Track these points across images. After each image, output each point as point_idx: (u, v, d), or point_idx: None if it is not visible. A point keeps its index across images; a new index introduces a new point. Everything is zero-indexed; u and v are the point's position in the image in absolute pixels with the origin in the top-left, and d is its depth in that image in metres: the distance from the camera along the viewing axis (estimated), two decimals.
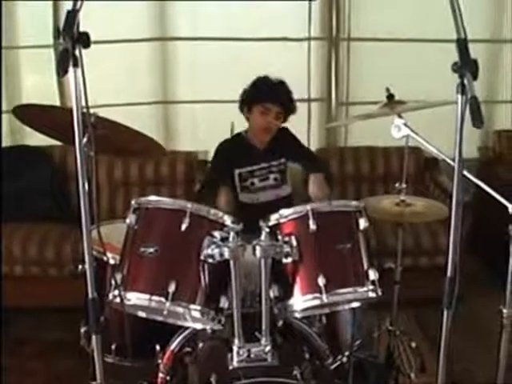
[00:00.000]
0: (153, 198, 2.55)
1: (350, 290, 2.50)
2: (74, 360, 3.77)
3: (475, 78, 1.97)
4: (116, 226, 3.17)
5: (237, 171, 3.86)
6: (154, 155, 4.56)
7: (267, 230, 2.48)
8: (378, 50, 5.45)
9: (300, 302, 2.50)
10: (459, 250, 2.15)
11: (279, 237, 2.52)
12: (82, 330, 3.06)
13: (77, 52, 1.93)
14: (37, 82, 5.47)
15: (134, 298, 2.42)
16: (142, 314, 2.60)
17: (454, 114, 2.01)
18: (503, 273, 2.49)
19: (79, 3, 1.94)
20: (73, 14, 1.92)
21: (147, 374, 2.89)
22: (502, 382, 2.68)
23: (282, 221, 2.55)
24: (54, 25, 5.07)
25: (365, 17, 5.42)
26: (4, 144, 5.12)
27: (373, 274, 2.51)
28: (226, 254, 2.40)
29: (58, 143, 3.00)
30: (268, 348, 2.52)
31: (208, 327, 2.63)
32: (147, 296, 2.40)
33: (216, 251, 2.41)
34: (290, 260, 2.49)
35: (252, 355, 2.52)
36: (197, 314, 2.45)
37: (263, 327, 2.51)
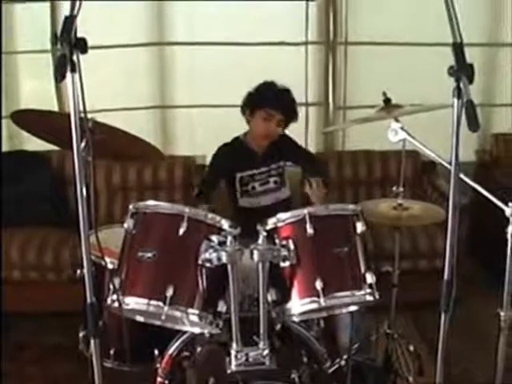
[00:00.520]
0: (151, 202, 2.55)
1: (347, 293, 2.50)
2: (72, 364, 3.77)
3: (471, 81, 1.98)
4: (114, 230, 3.16)
5: (238, 175, 3.87)
6: (152, 160, 4.57)
7: (265, 233, 2.49)
8: (375, 53, 5.46)
9: (298, 305, 2.50)
10: (457, 253, 2.15)
11: (277, 241, 2.52)
12: (81, 334, 3.06)
13: (74, 57, 1.94)
14: (35, 88, 5.47)
15: (132, 302, 2.42)
16: (140, 319, 2.60)
17: (451, 117, 2.02)
18: (501, 275, 2.49)
19: (77, 9, 1.95)
20: (70, 20, 1.93)
21: (146, 378, 2.89)
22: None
23: (279, 225, 2.55)
24: (52, 30, 5.07)
25: (362, 21, 5.42)
26: (2, 149, 5.12)
27: (370, 278, 2.51)
28: (224, 258, 2.40)
29: (56, 148, 3.00)
30: (266, 352, 2.52)
31: (206, 331, 2.63)
32: (145, 300, 2.40)
33: (214, 255, 2.42)
34: (287, 264, 2.49)
35: (250, 359, 2.52)
36: (195, 318, 2.46)
37: (261, 331, 2.51)
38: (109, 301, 2.44)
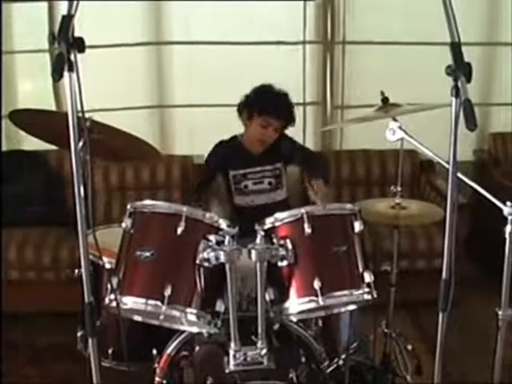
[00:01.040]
0: (148, 202, 2.56)
1: (345, 292, 2.51)
2: (70, 364, 3.78)
3: (469, 80, 1.98)
4: (112, 230, 3.17)
5: (231, 173, 3.89)
6: (150, 159, 4.56)
7: (262, 233, 2.49)
8: (372, 53, 5.45)
9: (296, 304, 2.51)
10: (455, 253, 2.15)
11: (274, 240, 2.52)
12: (79, 334, 3.06)
13: (72, 57, 1.94)
14: (33, 87, 5.47)
15: (130, 302, 2.42)
16: (138, 318, 2.60)
17: (449, 116, 2.02)
18: (499, 274, 2.49)
19: (74, 8, 1.94)
20: (67, 19, 1.93)
21: (144, 378, 2.89)
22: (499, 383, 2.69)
23: (277, 224, 2.56)
24: (50, 29, 5.07)
25: (359, 20, 5.42)
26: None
27: (368, 277, 2.52)
28: (222, 258, 2.40)
29: (54, 148, 2.99)
30: (264, 351, 2.52)
31: (204, 331, 2.63)
32: (143, 300, 2.41)
33: (212, 255, 2.42)
34: (285, 263, 2.50)
35: (248, 358, 2.52)
36: (193, 318, 2.46)
37: (259, 330, 2.51)
38: (107, 300, 2.45)
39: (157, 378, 2.76)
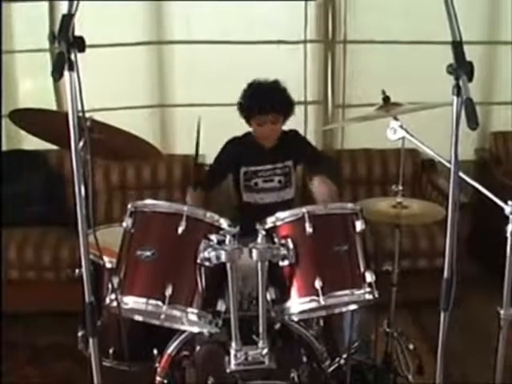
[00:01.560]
0: (149, 201, 2.55)
1: (346, 292, 2.51)
2: (71, 364, 3.78)
3: (470, 79, 1.98)
4: (113, 229, 3.17)
5: (243, 169, 3.88)
6: (151, 159, 4.57)
7: (264, 232, 2.49)
8: (374, 52, 5.44)
9: (297, 304, 2.50)
10: (457, 252, 2.15)
11: (276, 240, 2.52)
12: (80, 334, 3.06)
13: (72, 56, 1.93)
14: (33, 87, 5.47)
15: (131, 301, 2.42)
16: (139, 318, 2.60)
17: (450, 115, 2.02)
18: (501, 273, 2.49)
19: (74, 7, 1.94)
20: (68, 18, 1.93)
21: (145, 377, 2.89)
22: (500, 382, 2.68)
23: (278, 224, 2.56)
24: (50, 29, 5.06)
25: (361, 19, 5.41)
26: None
27: (370, 277, 2.52)
28: (223, 257, 2.40)
29: (55, 147, 2.99)
30: (265, 351, 2.52)
31: (205, 330, 2.63)
32: (144, 300, 2.41)
33: (213, 254, 2.42)
34: (286, 263, 2.49)
35: (249, 358, 2.52)
36: (194, 318, 2.46)
37: (260, 330, 2.51)
38: (107, 300, 2.45)
39: (158, 378, 2.76)
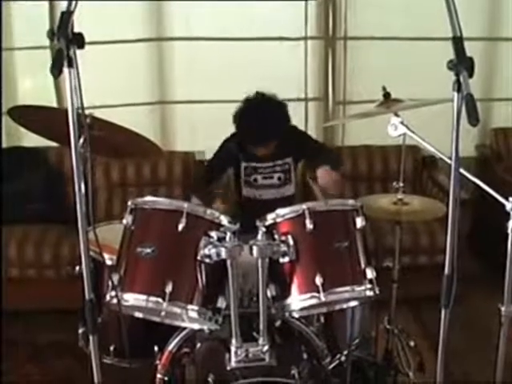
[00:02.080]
0: (149, 198, 2.55)
1: (347, 288, 2.51)
2: (71, 361, 3.78)
3: (471, 75, 1.97)
4: (113, 226, 3.17)
5: (243, 164, 3.87)
6: (151, 156, 4.56)
7: (264, 229, 2.49)
8: (374, 48, 5.44)
9: (297, 301, 2.50)
10: (457, 248, 2.15)
11: (276, 236, 2.52)
12: (80, 331, 3.06)
13: (71, 53, 1.93)
14: (33, 84, 5.46)
15: (132, 298, 2.42)
16: (139, 315, 2.60)
17: (451, 112, 2.01)
18: (502, 270, 2.48)
19: (73, 4, 1.94)
20: (67, 15, 1.92)
21: (145, 374, 2.89)
22: (501, 380, 2.68)
23: (278, 220, 2.55)
24: (50, 26, 5.06)
25: (361, 16, 5.41)
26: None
27: (370, 273, 2.52)
28: (223, 254, 2.40)
29: (55, 144, 2.99)
30: (266, 348, 2.52)
31: (205, 327, 2.63)
32: (144, 297, 2.40)
33: (213, 251, 2.42)
34: (286, 259, 2.49)
35: (250, 355, 2.52)
36: (194, 315, 2.46)
37: (261, 327, 2.51)
38: (108, 297, 2.44)
39: (158, 375, 2.76)
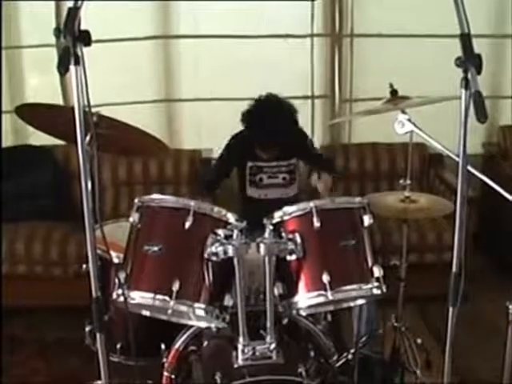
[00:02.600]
0: (156, 196, 2.55)
1: (354, 287, 2.50)
2: (78, 359, 3.78)
3: (479, 72, 1.96)
4: (120, 224, 3.17)
5: (249, 164, 3.88)
6: (158, 154, 4.56)
7: (271, 227, 2.48)
8: (381, 46, 5.42)
9: (304, 299, 2.50)
10: (465, 246, 2.14)
11: (283, 234, 2.52)
12: (87, 329, 3.06)
13: (78, 50, 1.93)
14: (40, 82, 5.47)
15: (138, 296, 2.42)
16: (146, 313, 2.61)
17: (458, 109, 2.01)
18: (509, 268, 2.48)
19: (80, 1, 1.93)
20: (74, 12, 1.92)
21: (152, 372, 2.89)
22: (508, 378, 2.67)
23: (285, 218, 2.55)
24: (57, 23, 5.06)
25: (368, 13, 5.39)
26: (7, 143, 5.12)
27: (377, 271, 2.51)
28: (230, 252, 2.40)
29: (62, 142, 2.99)
30: (273, 346, 2.52)
31: (212, 325, 2.63)
32: (151, 295, 2.41)
33: (220, 249, 2.41)
34: (294, 257, 2.49)
35: (257, 353, 2.52)
36: (201, 313, 2.46)
37: (268, 325, 2.51)
38: (114, 295, 2.45)
39: (165, 373, 2.77)
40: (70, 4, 1.94)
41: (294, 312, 2.62)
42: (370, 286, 2.51)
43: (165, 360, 2.79)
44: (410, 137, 3.02)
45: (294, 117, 3.79)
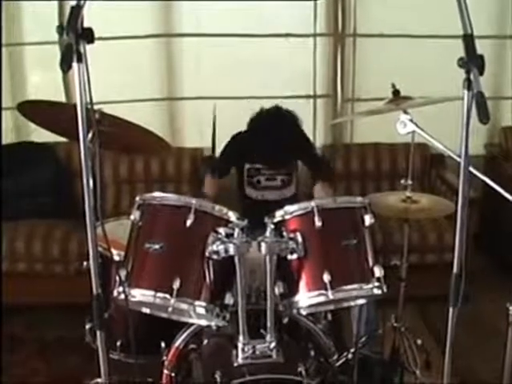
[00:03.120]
0: (157, 194, 2.55)
1: (355, 286, 2.50)
2: (78, 357, 3.78)
3: (481, 73, 1.96)
4: (121, 222, 3.17)
5: (247, 165, 3.88)
6: (160, 152, 4.56)
7: (272, 226, 2.48)
8: (383, 46, 5.43)
9: (305, 298, 2.50)
10: (466, 247, 2.14)
11: (284, 233, 2.51)
12: (87, 326, 3.06)
13: (81, 47, 1.93)
14: (42, 79, 5.47)
15: (139, 294, 2.42)
16: (146, 311, 2.60)
17: (460, 109, 2.01)
18: (510, 269, 2.48)
19: (83, 0, 1.93)
20: (77, 10, 1.92)
21: (152, 370, 2.89)
22: (508, 379, 2.67)
23: (287, 217, 2.55)
24: (60, 21, 5.06)
25: (370, 13, 5.40)
26: (9, 140, 5.13)
27: (378, 271, 2.51)
28: (231, 251, 2.40)
29: (64, 139, 2.99)
30: (273, 345, 2.52)
31: (213, 324, 2.62)
32: (152, 292, 2.41)
33: (221, 247, 2.41)
34: (295, 256, 2.49)
35: (257, 352, 2.52)
36: (201, 311, 2.46)
37: (268, 324, 2.51)
38: (115, 293, 2.45)
39: (165, 371, 2.77)
40: (73, 3, 1.94)
41: (295, 311, 2.62)
42: (370, 285, 2.51)
43: (165, 358, 2.79)
44: (411, 137, 3.01)
45: (300, 134, 3.83)
